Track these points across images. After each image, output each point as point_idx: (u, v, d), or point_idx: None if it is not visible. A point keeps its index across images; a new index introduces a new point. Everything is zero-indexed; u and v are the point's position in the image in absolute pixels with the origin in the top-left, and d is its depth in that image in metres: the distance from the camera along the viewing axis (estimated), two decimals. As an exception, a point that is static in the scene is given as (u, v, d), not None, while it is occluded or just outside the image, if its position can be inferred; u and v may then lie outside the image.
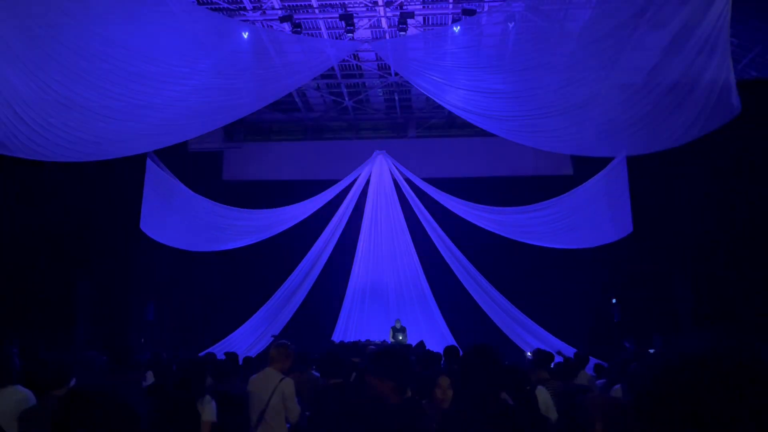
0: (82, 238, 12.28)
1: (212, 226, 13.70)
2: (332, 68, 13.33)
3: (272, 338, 13.10)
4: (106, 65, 8.78)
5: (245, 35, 10.01)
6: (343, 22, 10.62)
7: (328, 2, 10.95)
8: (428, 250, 14.84)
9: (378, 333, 13.67)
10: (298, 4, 10.96)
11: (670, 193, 11.88)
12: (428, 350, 8.64)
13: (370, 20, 11.44)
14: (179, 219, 12.96)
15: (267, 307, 14.63)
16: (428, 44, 11.17)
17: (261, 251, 14.52)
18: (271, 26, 11.17)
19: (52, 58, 8.24)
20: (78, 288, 12.48)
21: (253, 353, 13.18)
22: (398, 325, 13.35)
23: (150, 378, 5.94)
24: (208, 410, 3.87)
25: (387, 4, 10.88)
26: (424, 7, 11.23)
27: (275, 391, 4.64)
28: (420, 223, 14.91)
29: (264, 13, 10.88)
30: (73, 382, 3.54)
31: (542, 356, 5.99)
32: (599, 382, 6.50)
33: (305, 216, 14.55)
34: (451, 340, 13.82)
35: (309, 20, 11.45)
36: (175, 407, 3.74)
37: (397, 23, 10.75)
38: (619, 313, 13.66)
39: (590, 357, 8.84)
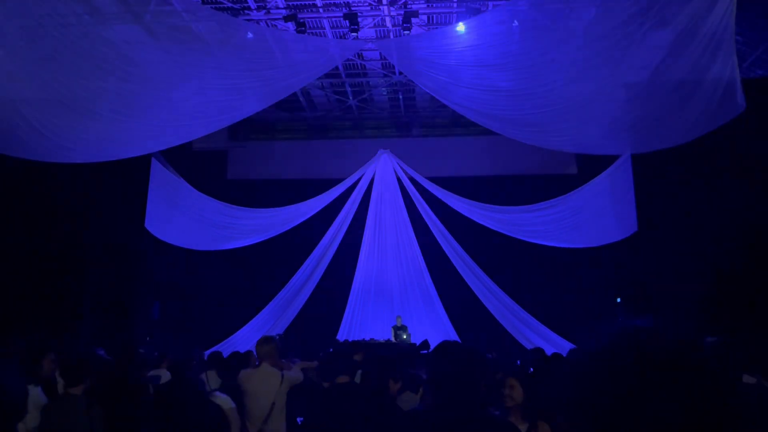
0: (87, 238, 12.32)
1: (217, 225, 13.73)
2: (336, 67, 13.33)
3: (277, 337, 13.13)
4: (109, 66, 8.80)
5: (249, 35, 10.01)
6: (347, 21, 10.61)
7: (332, 1, 10.94)
8: (432, 249, 14.83)
9: (382, 332, 13.68)
10: (302, 3, 10.96)
11: (675, 192, 11.83)
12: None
13: (374, 19, 11.43)
14: (184, 218, 13.01)
15: (272, 306, 14.65)
16: (432, 43, 11.13)
17: (265, 250, 14.54)
18: (275, 25, 11.18)
19: (54, 58, 8.26)
20: (84, 287, 12.52)
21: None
22: (399, 323, 13.32)
23: (166, 376, 5.96)
24: (225, 399, 3.90)
25: (391, 3, 10.86)
26: (428, 6, 11.21)
27: (280, 391, 4.66)
28: (424, 221, 14.90)
29: (268, 12, 10.89)
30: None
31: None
32: None
33: (309, 215, 14.55)
34: (455, 339, 13.83)
35: (313, 19, 11.46)
36: (191, 401, 3.74)
37: (401, 22, 10.74)
38: (624, 312, 13.63)
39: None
